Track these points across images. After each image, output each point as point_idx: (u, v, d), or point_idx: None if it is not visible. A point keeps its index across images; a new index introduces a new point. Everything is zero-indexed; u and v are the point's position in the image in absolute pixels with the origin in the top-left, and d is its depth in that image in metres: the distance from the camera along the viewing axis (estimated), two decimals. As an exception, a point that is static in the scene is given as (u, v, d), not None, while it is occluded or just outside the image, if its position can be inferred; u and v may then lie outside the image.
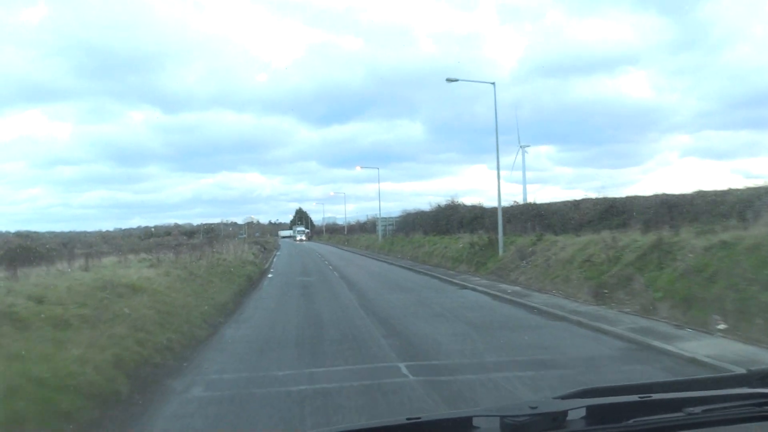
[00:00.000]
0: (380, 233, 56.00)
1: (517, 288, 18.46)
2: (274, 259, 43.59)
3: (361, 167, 56.15)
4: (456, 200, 42.81)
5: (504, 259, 23.00)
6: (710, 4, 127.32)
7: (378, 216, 57.21)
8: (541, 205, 27.15)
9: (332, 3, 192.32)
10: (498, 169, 24.56)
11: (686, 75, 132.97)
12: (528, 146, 58.09)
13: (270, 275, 27.78)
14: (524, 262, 20.73)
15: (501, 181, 24.51)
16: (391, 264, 33.70)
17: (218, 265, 20.83)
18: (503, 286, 19.22)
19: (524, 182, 58.19)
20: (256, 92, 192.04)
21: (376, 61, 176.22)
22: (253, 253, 37.60)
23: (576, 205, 24.63)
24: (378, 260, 38.11)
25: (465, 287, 20.00)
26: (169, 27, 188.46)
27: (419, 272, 26.85)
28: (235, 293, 17.13)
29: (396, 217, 58.02)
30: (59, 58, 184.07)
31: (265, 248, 51.71)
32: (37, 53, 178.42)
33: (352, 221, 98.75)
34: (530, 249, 21.41)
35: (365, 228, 77.65)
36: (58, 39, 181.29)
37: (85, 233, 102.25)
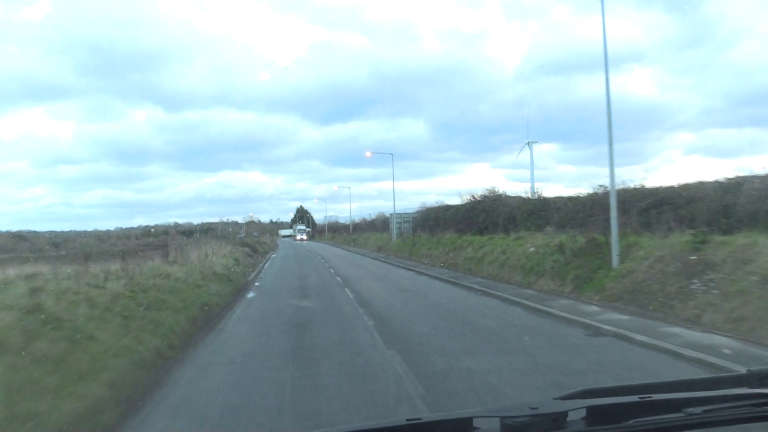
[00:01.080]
0: (394, 232, 46.76)
1: (723, 339, 9.18)
2: (266, 266, 34.32)
3: (372, 153, 46.88)
4: (496, 191, 33.54)
5: (632, 275, 13.74)
6: (717, 0, 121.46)
7: (392, 212, 47.97)
8: (667, 188, 17.82)
9: (336, 0, 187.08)
10: (610, 127, 15.31)
11: (691, 73, 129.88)
12: (535, 142, 55.49)
13: (250, 295, 18.54)
14: (697, 282, 11.46)
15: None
16: (423, 274, 24.43)
17: (145, 290, 11.54)
18: (679, 331, 9.96)
19: (532, 179, 51.41)
20: (258, 90, 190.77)
21: (380, 59, 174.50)
22: (236, 259, 28.33)
23: (735, 187, 15.35)
24: (402, 268, 28.81)
25: (597, 331, 10.72)
26: (171, 25, 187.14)
27: (478, 292, 17.58)
28: (142, 362, 7.83)
29: (413, 213, 48.79)
30: (62, 57, 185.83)
31: (255, 251, 42.47)
32: (40, 51, 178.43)
33: (356, 219, 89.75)
34: (693, 258, 12.17)
35: (374, 226, 68.38)
36: (60, 37, 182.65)
37: (85, 232, 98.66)
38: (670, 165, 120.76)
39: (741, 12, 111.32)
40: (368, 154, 46.97)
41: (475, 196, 35.05)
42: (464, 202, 37.49)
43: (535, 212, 25.86)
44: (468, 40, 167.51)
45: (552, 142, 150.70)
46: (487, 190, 33.89)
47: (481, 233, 29.72)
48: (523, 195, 27.91)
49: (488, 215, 32.03)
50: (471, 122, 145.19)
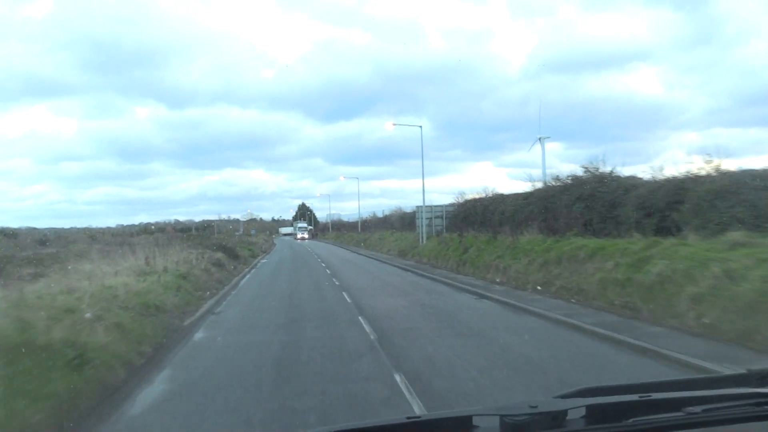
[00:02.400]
0: (423, 231, 34.94)
1: None
2: (241, 283, 22.49)
3: (395, 124, 35.07)
4: (597, 168, 21.62)
5: None
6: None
7: (419, 205, 36.10)
8: None
9: None
10: None
11: (698, 71, 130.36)
12: (548, 137, 47.05)
13: (134, 410, 6.74)
14: None
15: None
16: (530, 313, 12.65)
17: None
18: None
19: (544, 177, 41.06)
20: (261, 88, 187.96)
21: (384, 57, 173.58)
22: (181, 277, 16.59)
23: None
24: (466, 291, 16.91)
25: None
26: (175, 22, 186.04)
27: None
28: None
29: (446, 206, 37.03)
30: (64, 53, 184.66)
31: (236, 256, 30.60)
32: (43, 48, 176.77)
33: (365, 216, 78.05)
34: None
35: (388, 223, 56.53)
36: (63, 34, 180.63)
37: (86, 229, 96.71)
38: (674, 165, 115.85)
39: (749, 11, 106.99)
40: (391, 125, 35.17)
41: (559, 179, 23.20)
42: (541, 188, 25.69)
43: (727, 195, 13.96)
44: (473, 38, 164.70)
45: (556, 140, 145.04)
46: (584, 167, 21.96)
47: (600, 235, 18.08)
48: (696, 169, 15.66)
49: (591, 204, 20.28)
50: (474, 121, 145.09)
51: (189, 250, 26.68)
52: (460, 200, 36.33)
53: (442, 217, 36.56)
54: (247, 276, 25.28)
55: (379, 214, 76.76)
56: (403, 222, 51.23)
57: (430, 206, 36.52)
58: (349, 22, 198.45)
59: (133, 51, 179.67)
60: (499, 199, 30.24)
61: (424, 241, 34.59)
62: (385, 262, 31.87)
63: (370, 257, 37.65)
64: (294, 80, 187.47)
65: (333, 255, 42.30)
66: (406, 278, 22.30)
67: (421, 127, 35.04)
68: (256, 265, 32.56)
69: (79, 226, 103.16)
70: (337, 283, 20.37)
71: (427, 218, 35.76)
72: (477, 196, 32.57)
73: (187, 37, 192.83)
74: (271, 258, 41.65)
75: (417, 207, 37.15)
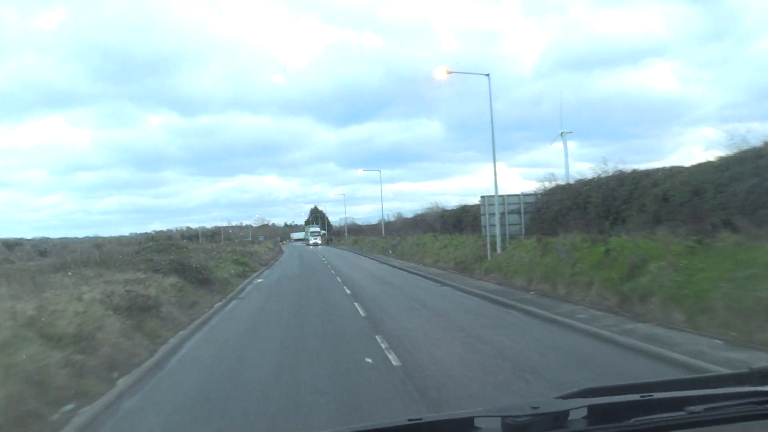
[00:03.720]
0: (497, 232, 22.94)
1: None
2: (174, 362, 10.58)
3: (451, 71, 23.27)
4: None
5: None
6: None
7: (490, 194, 24.07)
8: None
9: (351, 0, 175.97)
10: None
11: (713, 66, 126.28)
12: (570, 132, 44.03)
13: None
14: None
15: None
16: None
17: None
18: None
19: (567, 174, 30.56)
20: (273, 94, 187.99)
21: (395, 59, 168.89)
22: None
23: None
24: None
25: None
26: (185, 29, 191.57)
27: None
28: None
29: (525, 196, 25.04)
30: (77, 63, 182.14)
31: (205, 281, 18.62)
32: (55, 59, 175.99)
33: (389, 218, 66.03)
34: None
35: (424, 224, 44.28)
36: (75, 44, 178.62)
37: (96, 238, 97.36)
38: (690, 161, 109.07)
39: (765, 3, 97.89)
40: (445, 72, 23.22)
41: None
42: (738, 151, 13.60)
43: None
44: (485, 38, 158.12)
45: (570, 138, 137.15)
46: None
47: None
48: None
49: None
50: (487, 121, 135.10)
51: (118, 275, 15.02)
52: (549, 185, 24.39)
53: (518, 213, 24.56)
54: (210, 324, 13.30)
55: (393, 216, 65.50)
56: (444, 222, 39.23)
57: (502, 196, 24.49)
58: (359, 25, 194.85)
59: (144, 60, 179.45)
60: (635, 178, 18.19)
61: (498, 250, 22.63)
62: (446, 285, 19.89)
63: (413, 273, 25.67)
64: (306, 85, 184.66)
65: (357, 270, 30.33)
66: (544, 339, 10.17)
67: (488, 75, 23.12)
68: (240, 292, 20.64)
69: (92, 236, 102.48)
70: (394, 361, 8.47)
71: (500, 212, 23.77)
72: (595, 176, 20.52)
73: (198, 45, 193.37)
74: (270, 275, 29.73)
75: (482, 197, 25.02)
